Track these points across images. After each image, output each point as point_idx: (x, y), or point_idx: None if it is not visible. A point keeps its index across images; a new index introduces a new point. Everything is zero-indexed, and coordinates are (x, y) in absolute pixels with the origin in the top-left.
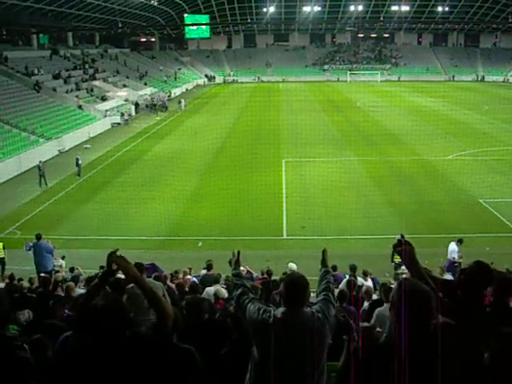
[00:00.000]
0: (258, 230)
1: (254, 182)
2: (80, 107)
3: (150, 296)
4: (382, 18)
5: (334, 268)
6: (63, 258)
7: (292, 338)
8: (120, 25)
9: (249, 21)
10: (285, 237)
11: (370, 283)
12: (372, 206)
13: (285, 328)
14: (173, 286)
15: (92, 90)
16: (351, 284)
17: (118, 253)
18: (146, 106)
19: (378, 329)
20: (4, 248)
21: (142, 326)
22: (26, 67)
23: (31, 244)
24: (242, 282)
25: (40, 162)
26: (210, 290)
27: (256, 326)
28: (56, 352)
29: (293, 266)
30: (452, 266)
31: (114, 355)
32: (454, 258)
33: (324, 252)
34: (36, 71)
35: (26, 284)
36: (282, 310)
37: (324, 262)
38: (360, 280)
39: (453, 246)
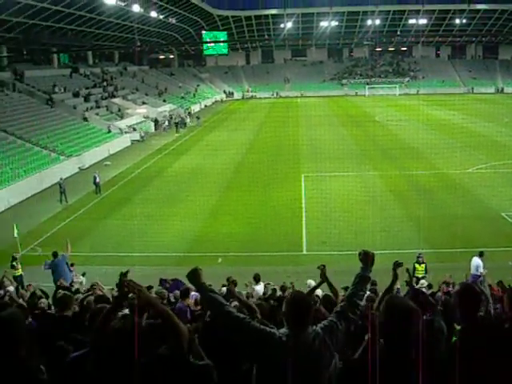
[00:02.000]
0: (278, 246)
1: (274, 197)
2: (100, 124)
3: (165, 318)
4: (399, 32)
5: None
6: (83, 274)
7: (294, 361)
8: (139, 43)
9: (266, 37)
10: (305, 252)
11: None
12: (392, 220)
13: (287, 350)
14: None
15: (112, 108)
16: (371, 300)
17: (129, 275)
18: (168, 122)
19: None
20: (20, 264)
21: (160, 348)
22: (47, 86)
23: (49, 262)
24: (222, 301)
25: (61, 178)
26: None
27: (257, 347)
28: (69, 370)
29: (311, 282)
30: (476, 280)
31: (132, 377)
32: (481, 272)
33: (366, 255)
34: (57, 89)
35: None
36: (284, 331)
37: (365, 266)
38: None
39: (477, 261)
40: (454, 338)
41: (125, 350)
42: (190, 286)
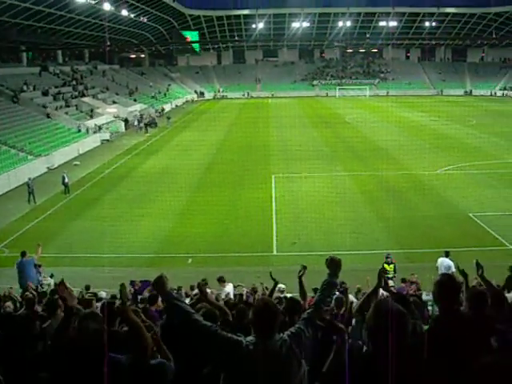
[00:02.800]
0: (248, 247)
1: (245, 197)
2: (69, 124)
3: (134, 328)
4: (370, 34)
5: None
6: (52, 276)
7: (261, 369)
8: (109, 42)
9: (238, 37)
10: (275, 253)
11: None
12: (362, 221)
13: (253, 358)
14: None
15: (81, 107)
16: (341, 301)
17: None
18: (138, 121)
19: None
20: None
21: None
22: (16, 84)
23: (17, 262)
24: (188, 309)
25: (29, 178)
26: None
27: (224, 355)
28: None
29: (282, 286)
30: None
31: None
32: (452, 272)
33: (332, 261)
34: (25, 88)
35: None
36: (250, 339)
37: (332, 273)
38: (351, 297)
39: (447, 261)
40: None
41: (85, 358)
42: None
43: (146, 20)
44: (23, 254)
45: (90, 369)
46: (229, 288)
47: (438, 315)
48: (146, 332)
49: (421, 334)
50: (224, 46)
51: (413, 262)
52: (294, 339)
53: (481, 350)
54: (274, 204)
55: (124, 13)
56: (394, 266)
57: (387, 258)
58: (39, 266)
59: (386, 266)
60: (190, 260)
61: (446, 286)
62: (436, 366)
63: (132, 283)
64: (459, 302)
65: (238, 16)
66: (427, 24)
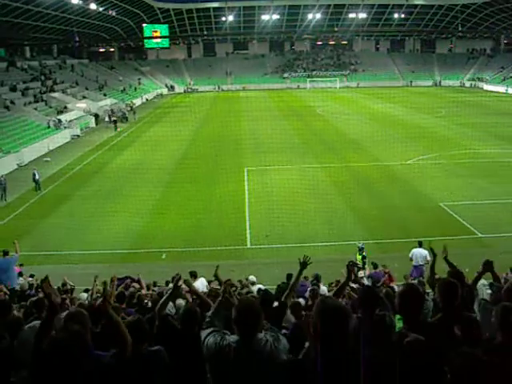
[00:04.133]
0: (222, 240)
1: (218, 191)
2: (39, 120)
3: (115, 326)
4: (339, 26)
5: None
6: (32, 276)
7: (244, 367)
8: (78, 36)
9: (207, 31)
10: (249, 246)
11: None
12: (334, 212)
13: (237, 357)
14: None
15: (51, 102)
16: (314, 293)
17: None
18: (109, 116)
19: None
20: None
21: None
22: None
23: None
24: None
25: (2, 176)
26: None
27: (211, 353)
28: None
29: (252, 278)
30: (421, 271)
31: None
32: (428, 260)
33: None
34: None
35: None
36: (234, 337)
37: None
38: (323, 289)
39: (421, 251)
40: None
41: (66, 359)
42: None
43: (114, 14)
44: (5, 253)
45: (70, 368)
46: (199, 283)
47: (403, 328)
48: (125, 328)
49: (390, 326)
50: (194, 39)
51: (385, 252)
52: (276, 337)
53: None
54: (246, 197)
55: (92, 6)
56: (363, 257)
57: (359, 248)
58: (21, 265)
59: (357, 256)
60: (164, 255)
61: (409, 296)
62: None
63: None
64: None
65: (208, 9)
66: (396, 16)
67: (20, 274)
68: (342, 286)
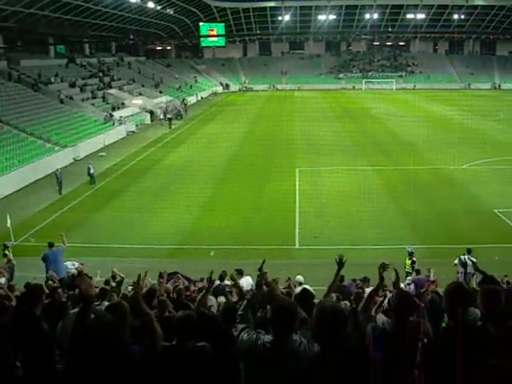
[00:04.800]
0: (271, 239)
1: (268, 190)
2: (95, 115)
3: (146, 320)
4: (397, 26)
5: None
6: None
7: (278, 368)
8: (134, 35)
9: (259, 31)
10: (297, 246)
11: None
12: (385, 215)
13: (270, 356)
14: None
15: (108, 99)
16: (357, 297)
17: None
18: (164, 114)
19: None
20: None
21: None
22: (42, 75)
23: (46, 253)
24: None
25: (58, 169)
26: (213, 300)
27: (245, 351)
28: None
29: (300, 278)
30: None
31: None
32: (469, 272)
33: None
34: (52, 79)
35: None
36: (269, 337)
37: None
38: (367, 291)
39: (466, 259)
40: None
41: (101, 347)
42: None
43: (172, 12)
44: (51, 245)
45: (101, 358)
46: (244, 281)
47: (446, 327)
48: (156, 322)
49: (425, 332)
50: (250, 38)
51: (435, 257)
52: (311, 339)
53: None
54: (297, 197)
55: (150, 5)
56: (413, 262)
57: (408, 252)
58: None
59: (406, 260)
60: (212, 252)
61: (456, 294)
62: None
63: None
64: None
65: (264, 8)
66: (455, 17)
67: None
68: (374, 291)
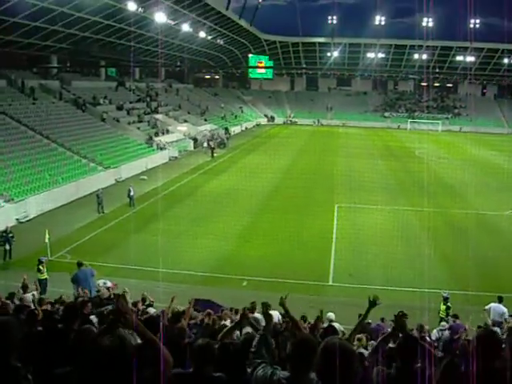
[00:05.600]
0: (305, 274)
1: (306, 224)
2: (140, 139)
3: (153, 347)
4: (445, 68)
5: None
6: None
7: None
8: (182, 62)
9: (307, 66)
10: (331, 283)
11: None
12: (423, 258)
13: None
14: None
15: (153, 123)
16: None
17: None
18: (207, 142)
19: None
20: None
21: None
22: (91, 97)
23: (74, 275)
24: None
25: (99, 189)
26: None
27: None
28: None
29: (331, 315)
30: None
31: None
32: (505, 319)
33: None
34: (101, 101)
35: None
36: (285, 373)
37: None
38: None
39: (500, 307)
40: None
41: (111, 370)
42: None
43: (222, 43)
44: (79, 264)
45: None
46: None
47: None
48: (166, 350)
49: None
50: (298, 72)
51: (472, 304)
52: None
53: None
54: (334, 233)
55: (201, 34)
56: (448, 308)
57: (443, 298)
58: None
59: (441, 305)
60: (245, 283)
61: (485, 342)
62: None
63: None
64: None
65: (313, 43)
66: (506, 61)
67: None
68: (388, 336)
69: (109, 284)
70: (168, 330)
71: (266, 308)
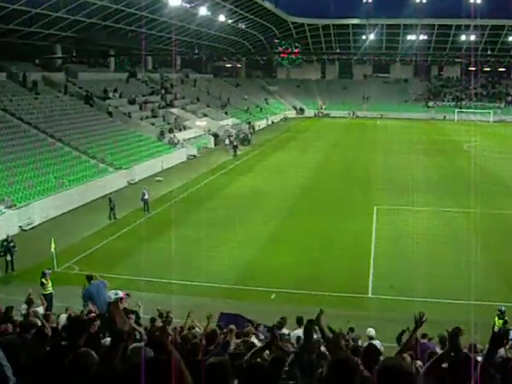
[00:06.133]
0: (341, 285)
1: (341, 229)
2: (154, 136)
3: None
4: (497, 50)
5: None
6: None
7: None
8: (200, 49)
9: (340, 51)
10: (370, 295)
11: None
12: (473, 265)
13: None
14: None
15: (169, 118)
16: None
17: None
18: (229, 139)
19: None
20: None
21: None
22: (100, 90)
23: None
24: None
25: (111, 194)
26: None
27: None
28: None
29: (371, 331)
30: None
31: None
32: None
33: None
34: (111, 95)
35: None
36: None
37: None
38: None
39: None
40: None
41: None
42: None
43: (244, 27)
44: (89, 278)
45: None
46: (299, 332)
47: None
48: (185, 369)
49: None
50: (329, 58)
51: None
52: None
53: None
54: (373, 239)
55: (221, 18)
56: (505, 322)
57: (499, 311)
58: (127, 294)
59: (496, 320)
60: (273, 295)
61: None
62: None
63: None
64: None
65: (346, 26)
66: None
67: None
68: (443, 355)
69: (120, 294)
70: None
71: (310, 326)
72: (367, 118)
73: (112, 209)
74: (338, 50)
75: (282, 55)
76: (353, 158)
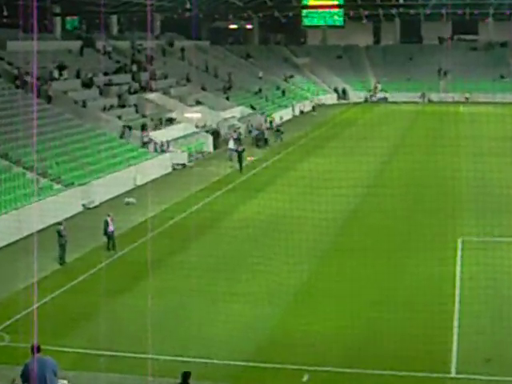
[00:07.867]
0: (410, 360)
1: (406, 274)
2: (123, 135)
3: None
4: None
5: None
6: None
7: None
8: (196, 3)
9: (402, 2)
10: (453, 374)
11: None
12: None
13: None
14: None
15: (144, 108)
16: None
17: None
18: (233, 139)
19: None
20: None
21: None
22: (39, 66)
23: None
24: None
25: (61, 224)
26: None
27: None
28: None
29: None
30: None
31: None
32: None
33: None
34: (56, 74)
35: None
36: None
37: None
38: None
39: None
40: None
41: None
42: None
43: None
44: (35, 349)
45: None
46: None
47: None
48: None
49: None
50: (386, 13)
51: None
52: None
53: None
54: (457, 288)
55: None
56: None
57: None
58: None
59: None
60: (306, 376)
61: None
62: None
63: None
64: None
65: None
66: None
67: None
68: None
69: None
70: None
71: None
72: (445, 103)
73: (62, 246)
74: (400, 1)
75: (313, 9)
76: (425, 166)
